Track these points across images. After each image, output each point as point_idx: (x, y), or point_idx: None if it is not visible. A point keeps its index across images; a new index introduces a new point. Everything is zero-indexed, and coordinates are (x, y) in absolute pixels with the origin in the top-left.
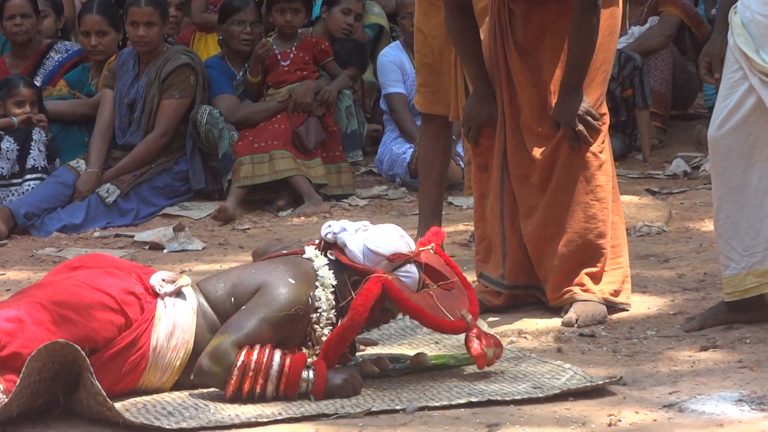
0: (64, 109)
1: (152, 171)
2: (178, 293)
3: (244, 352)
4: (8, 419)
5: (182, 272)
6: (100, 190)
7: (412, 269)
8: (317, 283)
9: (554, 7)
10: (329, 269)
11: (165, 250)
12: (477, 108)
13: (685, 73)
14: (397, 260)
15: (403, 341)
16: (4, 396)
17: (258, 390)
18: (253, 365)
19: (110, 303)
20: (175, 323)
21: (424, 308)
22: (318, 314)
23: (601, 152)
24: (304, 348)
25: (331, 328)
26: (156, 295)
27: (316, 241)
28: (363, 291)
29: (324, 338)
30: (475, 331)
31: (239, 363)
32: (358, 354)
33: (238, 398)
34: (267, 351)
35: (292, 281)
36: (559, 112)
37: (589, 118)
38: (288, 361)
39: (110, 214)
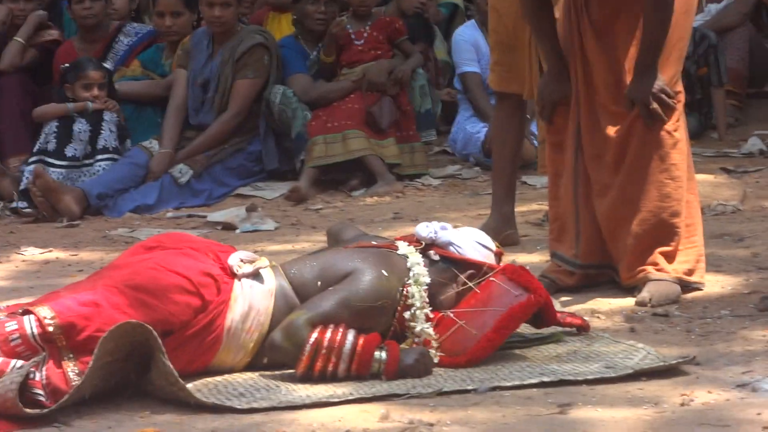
0: (137, 90)
1: (225, 151)
2: (255, 275)
3: (318, 329)
4: (81, 400)
5: (255, 252)
6: (173, 170)
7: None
8: (410, 280)
9: None
10: (424, 266)
11: (238, 231)
12: (551, 86)
13: (761, 51)
14: (501, 254)
15: None
16: (79, 378)
17: (330, 368)
18: (326, 343)
19: (187, 285)
20: (251, 304)
21: (552, 305)
22: (411, 312)
23: (675, 130)
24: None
25: (429, 324)
26: (233, 275)
27: (403, 240)
28: (520, 274)
29: (424, 334)
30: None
31: (312, 340)
32: None
33: (308, 377)
34: (341, 330)
35: (385, 273)
36: (634, 90)
37: (663, 96)
38: (361, 340)
39: (183, 194)
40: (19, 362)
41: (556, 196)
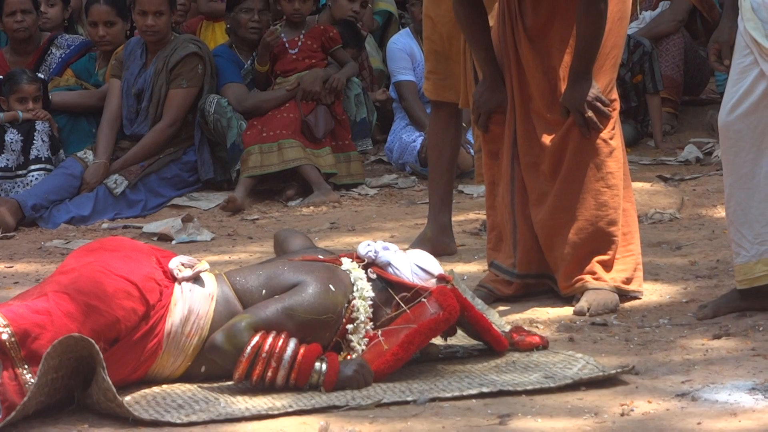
0: (71, 101)
1: (160, 161)
2: (196, 278)
3: (259, 334)
4: (24, 417)
5: None
6: (108, 181)
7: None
8: (356, 294)
9: None
10: (369, 284)
11: (173, 242)
12: (486, 94)
13: (696, 59)
14: (446, 279)
15: None
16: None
17: (269, 375)
18: (267, 348)
19: (133, 291)
20: (191, 308)
21: (484, 317)
22: (355, 325)
23: (611, 138)
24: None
25: (367, 341)
26: (174, 279)
27: (347, 257)
28: (442, 294)
29: (361, 350)
30: (518, 337)
31: (253, 343)
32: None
33: (246, 384)
34: (282, 337)
35: (332, 288)
36: (568, 98)
37: (598, 104)
38: (302, 350)
39: (118, 205)
40: None
41: (493, 205)
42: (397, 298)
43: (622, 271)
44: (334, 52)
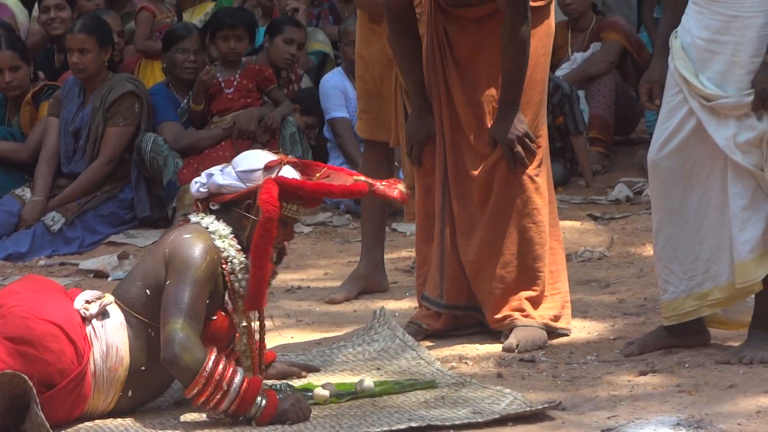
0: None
1: (97, 199)
2: (103, 312)
3: (214, 354)
4: None
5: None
6: (45, 218)
7: (288, 170)
8: (215, 237)
9: (488, 23)
10: (217, 220)
11: (110, 278)
12: (417, 124)
13: (627, 99)
14: (273, 165)
15: (345, 368)
16: None
17: (218, 398)
18: (219, 370)
19: (58, 333)
20: (107, 343)
21: (323, 183)
22: (230, 263)
23: (537, 175)
24: (226, 311)
25: (245, 271)
26: (83, 319)
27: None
28: (262, 194)
29: (242, 288)
30: (377, 184)
31: (211, 363)
32: (302, 381)
33: (191, 404)
34: (232, 363)
35: (188, 236)
36: (496, 131)
37: (526, 140)
38: (246, 381)
39: (55, 242)
40: None
41: (424, 240)
42: (242, 212)
43: (551, 308)
44: (270, 91)
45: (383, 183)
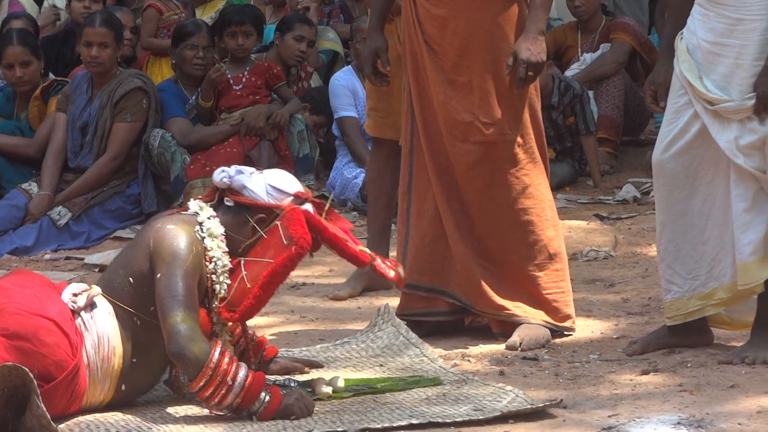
0: (8, 146)
1: (104, 194)
2: (91, 304)
3: (219, 348)
4: None
5: None
6: (51, 212)
7: (310, 208)
8: (204, 234)
9: None
10: (215, 219)
11: None
12: (367, 42)
13: (636, 100)
14: (302, 197)
15: (348, 364)
16: None
17: (222, 393)
18: (224, 366)
19: (51, 326)
20: (98, 334)
21: (339, 237)
22: (214, 263)
23: (524, 176)
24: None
25: (227, 275)
26: (72, 312)
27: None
28: (296, 226)
29: (223, 291)
30: (378, 260)
31: (215, 360)
32: (306, 377)
33: (196, 398)
34: (235, 362)
35: (172, 226)
36: (520, 48)
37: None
38: (251, 376)
39: (61, 236)
40: None
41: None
42: (252, 221)
43: (555, 307)
44: (278, 88)
45: (385, 262)
